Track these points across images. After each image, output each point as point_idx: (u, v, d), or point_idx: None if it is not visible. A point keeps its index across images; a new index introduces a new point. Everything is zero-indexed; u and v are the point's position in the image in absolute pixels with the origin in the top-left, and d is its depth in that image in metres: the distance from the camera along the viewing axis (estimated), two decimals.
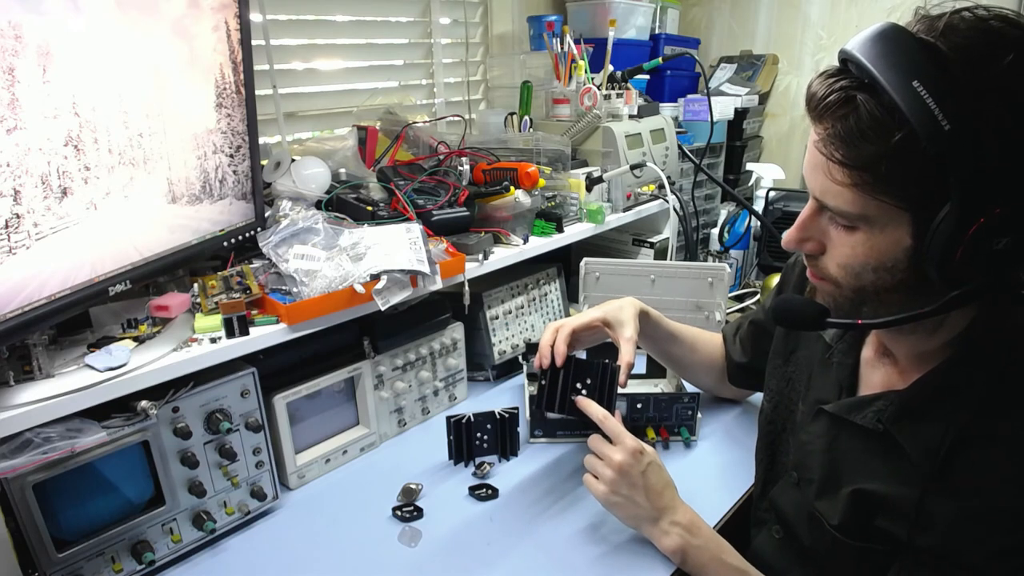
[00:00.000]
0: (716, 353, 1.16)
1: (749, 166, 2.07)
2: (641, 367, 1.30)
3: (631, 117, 1.58)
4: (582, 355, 1.07)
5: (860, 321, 0.64)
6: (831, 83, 0.56)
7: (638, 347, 1.01)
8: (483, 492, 1.01)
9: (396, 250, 1.02)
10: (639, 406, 1.13)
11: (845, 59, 0.57)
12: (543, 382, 0.99)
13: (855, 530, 0.69)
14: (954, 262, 0.54)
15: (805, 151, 0.63)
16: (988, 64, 0.50)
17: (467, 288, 1.16)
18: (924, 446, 0.62)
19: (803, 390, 0.83)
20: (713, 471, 1.07)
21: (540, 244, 1.32)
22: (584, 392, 0.98)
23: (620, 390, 0.97)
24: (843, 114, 0.55)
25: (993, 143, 0.50)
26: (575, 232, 1.39)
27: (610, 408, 0.96)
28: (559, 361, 0.95)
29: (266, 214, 1.08)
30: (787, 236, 0.66)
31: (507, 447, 1.11)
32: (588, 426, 1.14)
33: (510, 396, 1.33)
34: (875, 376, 0.73)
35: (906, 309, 0.60)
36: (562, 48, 1.57)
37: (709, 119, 1.67)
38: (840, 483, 0.71)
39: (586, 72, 1.57)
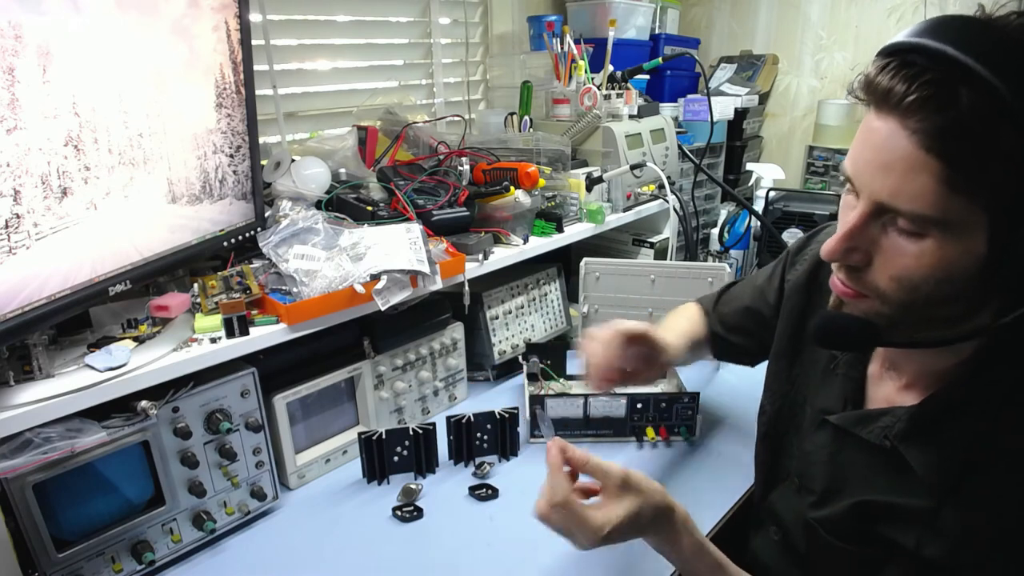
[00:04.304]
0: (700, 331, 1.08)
1: (749, 166, 2.07)
2: None
3: (631, 117, 1.58)
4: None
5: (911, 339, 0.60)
6: (912, 75, 0.51)
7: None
8: (483, 492, 1.01)
9: (396, 250, 1.02)
10: (639, 406, 1.13)
11: (911, 49, 0.52)
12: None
13: (854, 536, 0.68)
14: None
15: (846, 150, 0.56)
16: None
17: (467, 288, 1.16)
18: (934, 464, 0.61)
19: (807, 395, 0.81)
20: (713, 471, 1.07)
21: (540, 244, 1.32)
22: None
23: (621, 389, 0.97)
24: (940, 106, 0.50)
25: None
26: (575, 232, 1.39)
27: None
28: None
29: (266, 214, 1.08)
30: (831, 246, 0.58)
31: (507, 447, 1.11)
32: (588, 426, 1.15)
33: (510, 396, 1.33)
34: (881, 391, 0.71)
35: (947, 326, 0.58)
36: (562, 48, 1.56)
37: (709, 119, 1.67)
38: (842, 495, 0.70)
39: (586, 72, 1.57)
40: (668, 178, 1.55)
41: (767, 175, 2.00)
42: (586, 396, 1.13)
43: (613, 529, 0.67)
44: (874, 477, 0.67)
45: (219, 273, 0.96)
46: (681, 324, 1.06)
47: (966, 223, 0.52)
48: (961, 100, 0.49)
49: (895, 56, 0.53)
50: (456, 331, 1.25)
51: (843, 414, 0.72)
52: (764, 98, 2.12)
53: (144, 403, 0.79)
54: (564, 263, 1.55)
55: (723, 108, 1.86)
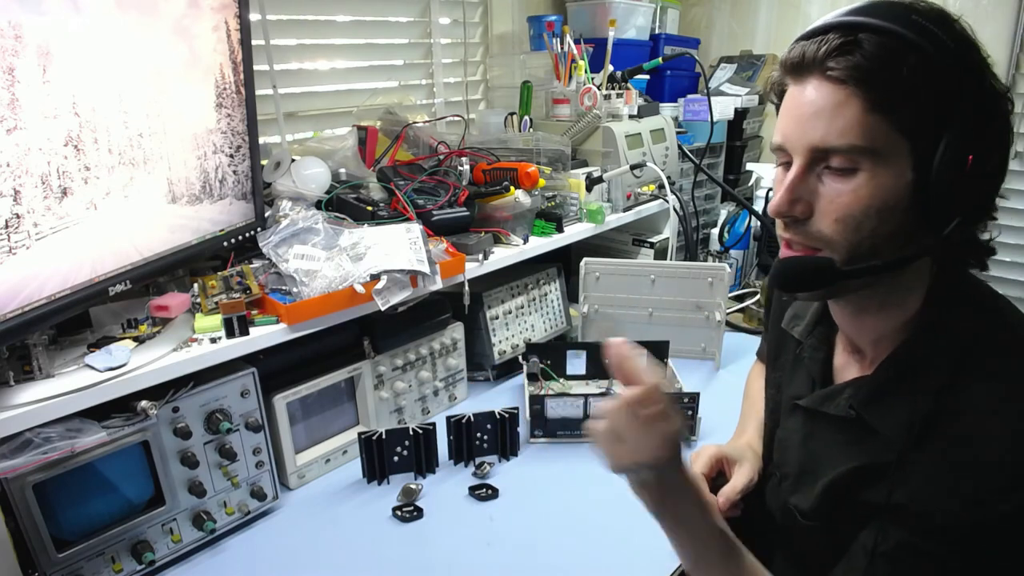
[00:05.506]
0: None
1: (749, 166, 2.07)
2: None
3: (631, 117, 1.58)
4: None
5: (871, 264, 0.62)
6: (819, 40, 0.59)
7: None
8: (483, 492, 1.01)
9: (396, 250, 1.02)
10: None
11: (810, 33, 0.60)
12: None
13: (829, 516, 0.69)
14: (957, 191, 0.57)
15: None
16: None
17: (467, 288, 1.16)
18: (897, 424, 0.63)
19: (784, 391, 0.83)
20: None
21: (540, 244, 1.32)
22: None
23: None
24: (851, 48, 0.57)
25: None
26: (575, 232, 1.39)
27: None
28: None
29: (266, 214, 1.08)
30: (777, 201, 0.62)
31: (507, 447, 1.11)
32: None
33: (510, 396, 1.33)
34: (848, 375, 0.73)
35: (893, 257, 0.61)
36: (562, 48, 1.56)
37: (709, 119, 1.67)
38: (816, 476, 0.71)
39: (586, 72, 1.57)
40: (668, 178, 1.55)
41: (767, 175, 2.00)
42: (586, 396, 1.13)
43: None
44: (844, 448, 0.68)
45: (219, 273, 0.96)
46: (757, 400, 1.00)
47: (891, 149, 0.57)
48: (863, 44, 0.56)
49: (797, 42, 0.61)
50: (456, 331, 1.25)
51: (811, 396, 0.74)
52: (764, 98, 2.12)
53: (144, 403, 0.79)
54: (564, 263, 1.55)
55: (723, 108, 1.86)
